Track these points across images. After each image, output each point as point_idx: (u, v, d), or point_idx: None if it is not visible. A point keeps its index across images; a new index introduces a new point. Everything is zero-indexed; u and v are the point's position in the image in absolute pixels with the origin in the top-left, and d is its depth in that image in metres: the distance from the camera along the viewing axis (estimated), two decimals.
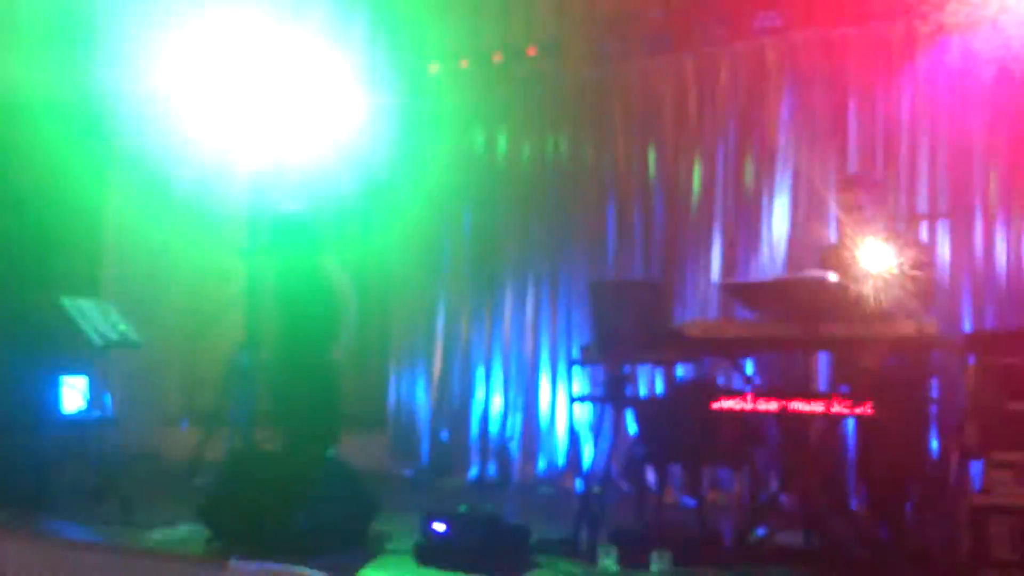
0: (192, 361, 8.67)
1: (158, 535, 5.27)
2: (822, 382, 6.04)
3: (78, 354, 6.74)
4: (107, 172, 8.40)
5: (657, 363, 6.29)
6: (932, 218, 5.85)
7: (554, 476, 7.09)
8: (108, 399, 6.81)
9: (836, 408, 4.61)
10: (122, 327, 6.42)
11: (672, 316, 6.38)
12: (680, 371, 6.18)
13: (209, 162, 7.77)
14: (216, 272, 8.33)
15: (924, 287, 4.54)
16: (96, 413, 6.81)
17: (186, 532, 5.25)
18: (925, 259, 4.60)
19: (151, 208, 8.24)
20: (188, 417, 8.22)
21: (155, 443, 8.28)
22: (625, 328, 5.16)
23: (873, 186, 5.24)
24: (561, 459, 7.10)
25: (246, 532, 4.94)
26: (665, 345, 5.16)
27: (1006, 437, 4.23)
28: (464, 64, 7.73)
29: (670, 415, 5.20)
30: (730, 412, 4.94)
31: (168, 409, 8.63)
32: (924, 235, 5.79)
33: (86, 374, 7.21)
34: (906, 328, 4.27)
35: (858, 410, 4.61)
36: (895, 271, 4.42)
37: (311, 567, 4.46)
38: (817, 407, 4.67)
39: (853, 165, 6.22)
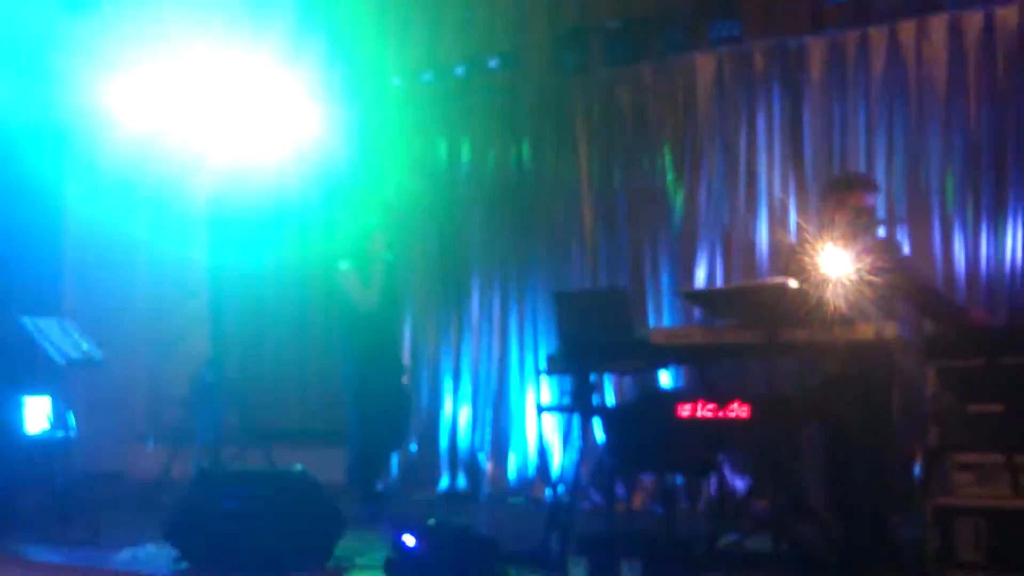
0: (157, 378, 8.61)
1: (124, 556, 5.22)
2: (786, 387, 6.12)
3: (40, 373, 6.68)
4: (66, 190, 8.32)
5: (623, 371, 6.33)
6: (890, 223, 5.91)
7: (524, 487, 7.10)
8: (72, 418, 6.74)
9: (800, 412, 4.66)
10: (84, 345, 6.36)
11: (637, 324, 6.41)
12: (648, 379, 6.21)
13: (170, 179, 7.73)
14: (180, 288, 8.28)
15: (884, 292, 4.59)
16: (60, 433, 6.74)
17: (153, 552, 5.21)
18: (884, 264, 4.64)
19: (112, 225, 8.17)
20: (154, 435, 8.15)
21: (120, 462, 8.19)
22: (591, 337, 5.18)
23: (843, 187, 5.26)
24: (530, 469, 7.11)
25: (213, 551, 4.90)
26: (631, 353, 5.19)
27: (967, 439, 4.28)
28: (426, 76, 7.75)
29: (637, 423, 5.21)
30: (697, 419, 4.97)
31: (133, 427, 8.55)
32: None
33: (49, 394, 7.13)
34: (865, 333, 4.31)
35: (822, 414, 4.67)
36: (855, 276, 4.47)
37: None
38: (781, 412, 4.71)
39: (810, 172, 6.29)
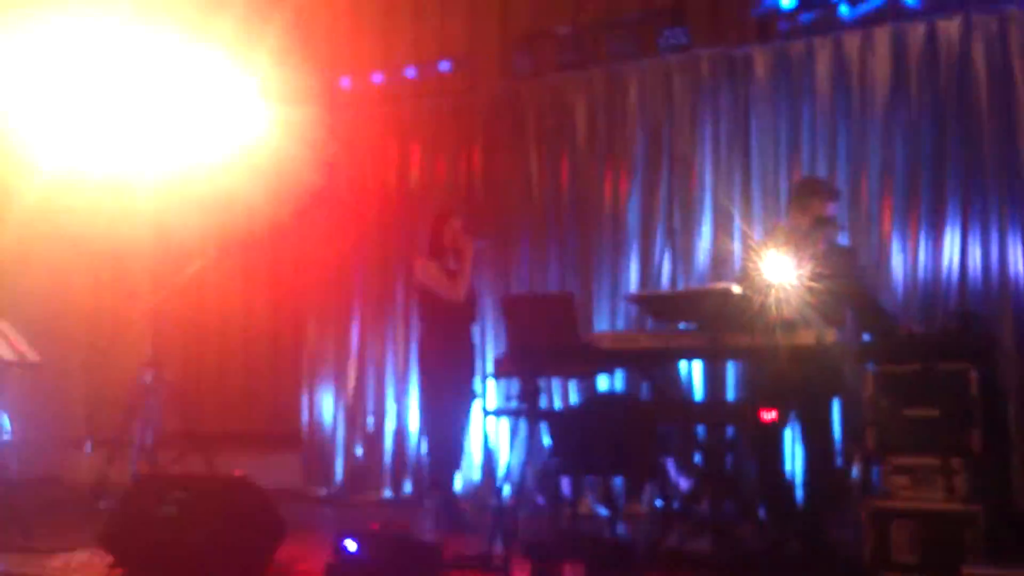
0: (95, 380, 8.46)
1: (59, 561, 5.12)
2: (730, 391, 6.18)
3: None
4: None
5: (570, 375, 6.34)
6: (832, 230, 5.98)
7: (470, 491, 7.07)
8: (6, 421, 6.60)
9: (743, 416, 4.70)
10: (21, 347, 6.23)
11: (585, 329, 6.43)
12: (594, 383, 6.23)
13: (110, 177, 7.62)
14: (119, 289, 8.16)
15: (826, 298, 4.64)
16: None
17: (88, 558, 5.12)
18: (826, 271, 4.70)
19: (51, 224, 8.03)
20: (91, 439, 8.01)
21: (57, 466, 8.05)
22: (538, 341, 5.19)
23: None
24: (476, 474, 7.09)
25: (150, 557, 4.82)
26: (577, 358, 5.20)
27: (904, 442, 4.34)
28: (376, 78, 7.71)
29: (583, 427, 5.22)
30: (641, 422, 5.00)
31: (70, 431, 8.39)
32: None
33: None
34: (806, 338, 4.36)
35: (764, 417, 4.71)
36: (798, 283, 4.52)
37: None
38: (725, 416, 4.76)
39: (756, 179, 6.35)
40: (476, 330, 6.42)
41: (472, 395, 6.09)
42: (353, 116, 7.72)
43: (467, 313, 6.09)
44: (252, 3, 7.61)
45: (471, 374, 6.12)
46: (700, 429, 5.13)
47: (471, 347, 6.18)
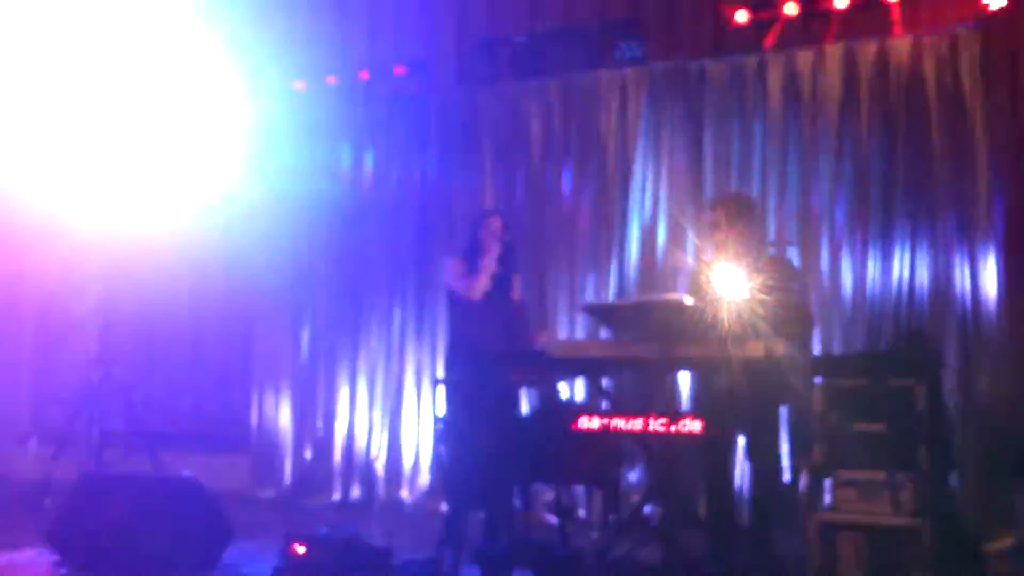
0: (41, 376, 8.32)
1: (2, 559, 5.05)
2: (680, 402, 6.24)
3: None
4: None
5: (522, 383, 6.35)
6: (781, 245, 6.08)
7: (419, 496, 7.06)
8: None
9: (692, 427, 4.74)
10: None
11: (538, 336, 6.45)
12: (547, 391, 6.24)
13: (60, 173, 7.51)
14: (68, 284, 8.03)
15: (775, 310, 4.70)
16: None
17: (32, 556, 5.05)
18: (775, 284, 4.77)
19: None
20: (36, 435, 7.88)
21: (1, 462, 7.90)
22: (490, 348, 5.21)
23: (733, 207, 5.38)
24: (425, 479, 7.09)
25: (95, 556, 4.77)
26: (529, 366, 5.23)
27: (851, 456, 4.42)
28: (331, 80, 7.68)
29: (534, 435, 5.25)
30: (591, 432, 5.02)
31: (15, 427, 8.25)
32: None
33: None
34: (756, 350, 4.42)
35: (713, 429, 4.76)
36: (747, 295, 4.58)
37: None
38: (674, 426, 4.80)
39: (708, 191, 6.42)
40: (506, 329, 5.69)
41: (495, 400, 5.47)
42: (307, 118, 7.67)
43: (486, 313, 5.55)
44: (208, 3, 7.54)
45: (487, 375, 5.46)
46: (650, 439, 5.17)
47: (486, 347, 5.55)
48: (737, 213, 5.17)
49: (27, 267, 8.20)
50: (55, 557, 4.88)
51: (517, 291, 5.64)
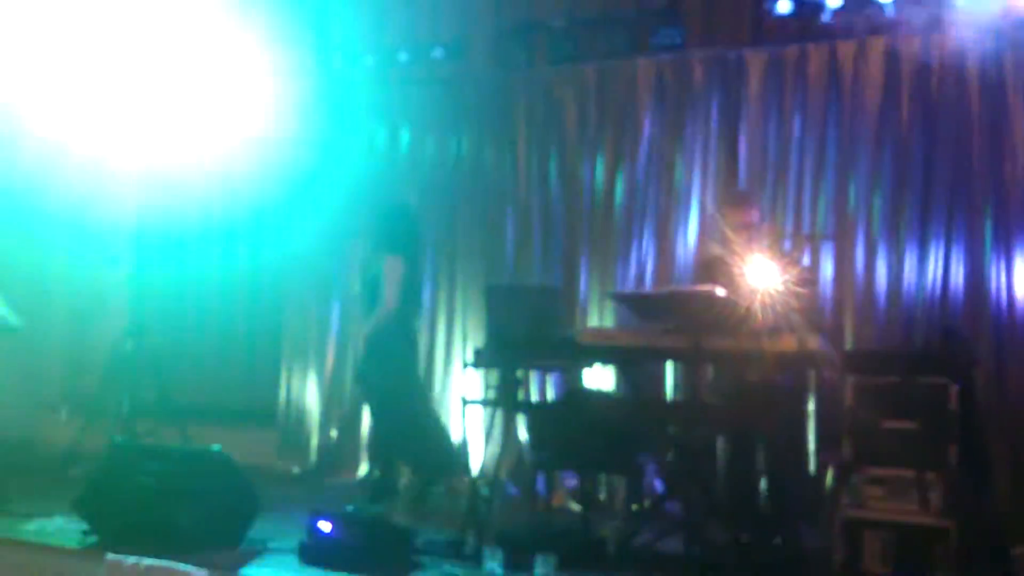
0: (74, 346, 8.41)
1: (33, 526, 5.12)
2: (708, 393, 6.21)
3: None
4: None
5: (549, 368, 6.36)
6: (817, 239, 6.03)
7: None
8: None
9: (720, 418, 4.73)
10: (1, 309, 6.21)
11: (567, 322, 6.45)
12: (573, 377, 6.25)
13: (96, 153, 7.57)
14: (101, 254, 8.10)
15: (808, 304, 4.68)
16: None
17: (62, 524, 5.11)
18: (809, 277, 4.75)
19: (33, 187, 7.97)
20: (68, 404, 7.97)
21: (32, 430, 8.00)
22: (519, 333, 5.21)
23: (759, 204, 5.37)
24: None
25: (124, 526, 4.83)
26: (558, 352, 5.23)
27: (880, 454, 4.39)
28: (368, 60, 7.69)
29: (560, 421, 5.25)
30: (618, 420, 5.03)
31: (47, 395, 8.34)
32: (808, 255, 5.98)
33: None
34: (788, 344, 4.39)
35: (740, 421, 4.75)
36: (780, 288, 4.55)
37: (190, 563, 4.40)
38: (701, 417, 4.79)
39: (744, 183, 6.38)
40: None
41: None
42: (342, 98, 7.68)
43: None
44: None
45: None
46: (676, 429, 5.17)
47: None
48: (731, 207, 5.17)
49: (60, 235, 8.26)
50: (84, 526, 4.94)
51: None
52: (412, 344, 6.30)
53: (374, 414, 6.33)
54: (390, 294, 5.98)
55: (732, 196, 5.56)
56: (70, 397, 8.08)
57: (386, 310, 5.98)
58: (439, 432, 6.41)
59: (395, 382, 6.05)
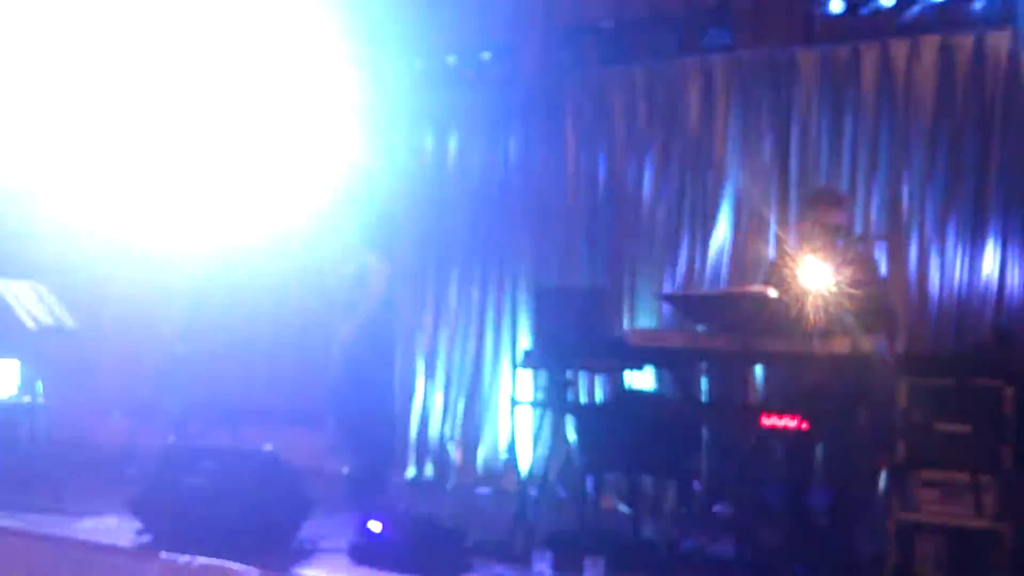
0: (129, 348, 8.52)
1: (88, 524, 5.20)
2: (759, 395, 6.16)
3: (10, 338, 6.61)
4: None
5: (598, 370, 6.34)
6: (869, 239, 5.96)
7: (491, 478, 7.10)
8: (40, 384, 6.69)
9: (771, 421, 4.69)
10: (57, 311, 6.31)
11: (616, 324, 6.43)
12: (622, 379, 6.23)
13: (163, 154, 7.70)
14: (160, 261, 8.21)
15: (864, 305, 4.62)
16: (27, 398, 6.69)
17: (116, 523, 5.19)
18: (863, 278, 4.69)
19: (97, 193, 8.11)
20: (121, 405, 8.09)
21: (87, 431, 8.13)
22: (568, 334, 5.21)
23: (822, 200, 5.28)
24: (499, 462, 7.12)
25: (177, 526, 4.89)
26: (607, 353, 5.22)
27: (933, 456, 4.33)
28: (417, 64, 7.72)
29: (610, 423, 5.24)
30: (669, 422, 5.00)
31: (101, 397, 8.47)
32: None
33: (18, 358, 7.09)
34: (841, 346, 4.35)
35: (792, 424, 4.70)
36: (834, 289, 4.50)
37: (242, 562, 4.44)
38: (753, 420, 4.75)
39: (794, 184, 6.32)
40: None
41: None
42: (392, 101, 7.72)
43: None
44: None
45: None
46: (727, 432, 5.14)
47: None
48: (826, 206, 5.09)
49: (117, 240, 8.40)
50: (138, 525, 5.01)
51: None
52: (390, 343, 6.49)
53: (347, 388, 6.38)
54: (374, 291, 6.10)
55: (828, 195, 5.43)
56: (124, 398, 8.21)
57: (369, 306, 6.07)
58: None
59: (372, 374, 6.24)
